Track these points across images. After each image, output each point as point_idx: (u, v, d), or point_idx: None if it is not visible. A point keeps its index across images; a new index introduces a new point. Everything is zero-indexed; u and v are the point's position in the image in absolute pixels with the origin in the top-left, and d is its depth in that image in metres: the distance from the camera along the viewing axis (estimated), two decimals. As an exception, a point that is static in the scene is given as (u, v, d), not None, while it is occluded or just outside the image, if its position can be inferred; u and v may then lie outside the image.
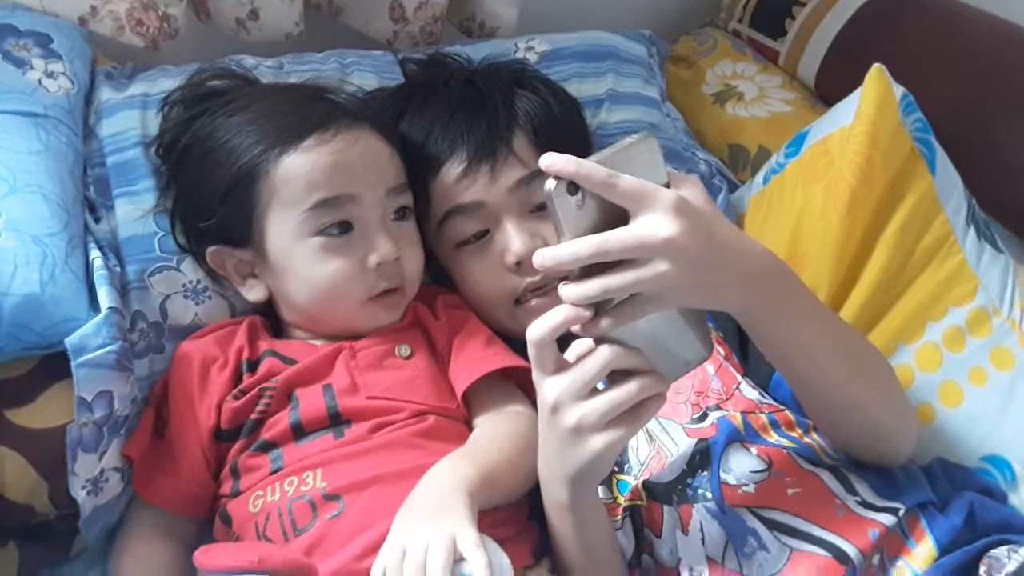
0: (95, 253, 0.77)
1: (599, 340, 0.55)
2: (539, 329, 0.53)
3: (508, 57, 1.04)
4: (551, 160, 0.51)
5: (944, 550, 0.66)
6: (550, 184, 0.51)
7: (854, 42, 1.15)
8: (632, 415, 0.55)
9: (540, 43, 1.06)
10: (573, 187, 0.51)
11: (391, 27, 1.08)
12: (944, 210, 0.87)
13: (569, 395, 0.54)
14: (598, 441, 0.54)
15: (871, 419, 0.68)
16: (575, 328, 0.53)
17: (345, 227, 0.74)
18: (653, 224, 0.51)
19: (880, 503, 0.68)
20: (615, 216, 0.52)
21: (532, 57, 1.05)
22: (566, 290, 0.52)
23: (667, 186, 0.54)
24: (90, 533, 0.72)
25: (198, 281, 0.82)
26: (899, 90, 0.87)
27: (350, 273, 0.74)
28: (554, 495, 0.62)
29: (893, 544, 0.66)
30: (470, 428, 0.75)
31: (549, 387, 0.55)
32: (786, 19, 1.22)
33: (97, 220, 0.82)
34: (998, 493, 0.80)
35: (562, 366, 0.55)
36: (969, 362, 0.85)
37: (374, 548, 0.60)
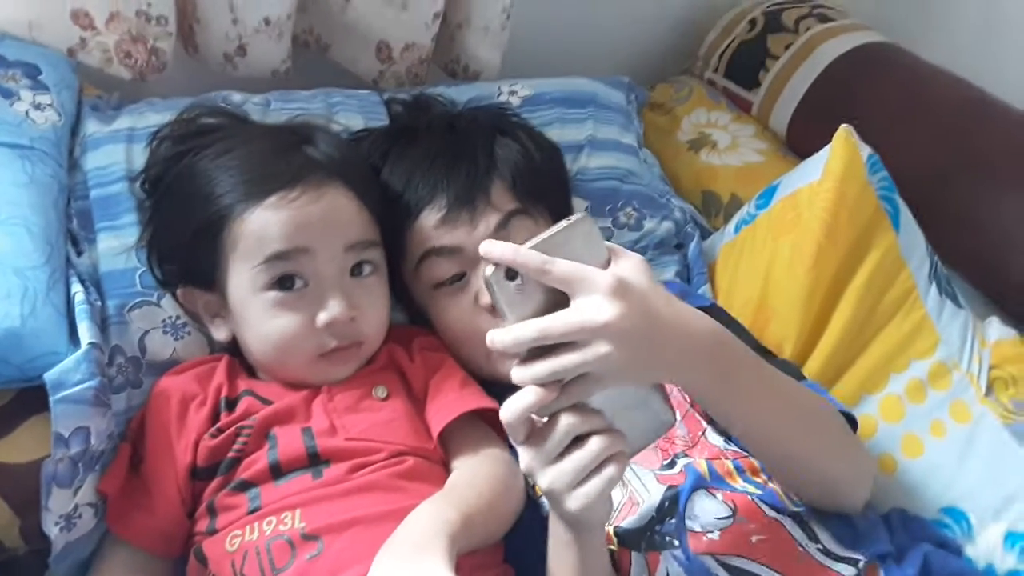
0: (77, 287, 0.77)
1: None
2: (510, 412, 0.54)
3: (491, 100, 1.06)
4: (488, 248, 0.53)
5: None
6: (488, 270, 0.53)
7: (824, 96, 1.19)
8: (599, 471, 0.56)
9: (523, 87, 1.09)
10: (512, 272, 0.53)
11: (377, 67, 1.10)
12: (908, 266, 0.90)
13: (538, 463, 0.56)
14: (574, 501, 0.56)
15: (823, 471, 0.71)
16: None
17: (293, 282, 0.74)
18: (591, 308, 0.52)
19: (841, 552, 0.70)
20: (559, 296, 0.54)
21: (515, 101, 1.07)
22: (517, 373, 0.54)
23: (607, 263, 0.55)
24: (59, 569, 0.72)
25: (177, 317, 0.83)
26: (865, 150, 0.91)
27: (299, 330, 0.75)
28: (559, 533, 0.63)
29: None
30: (448, 470, 0.76)
31: (522, 456, 0.57)
32: (760, 71, 1.26)
33: (79, 253, 0.82)
34: (953, 545, 0.83)
35: (533, 434, 0.56)
36: (930, 415, 0.88)
37: None
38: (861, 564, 0.69)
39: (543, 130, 1.00)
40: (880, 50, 1.20)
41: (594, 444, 0.55)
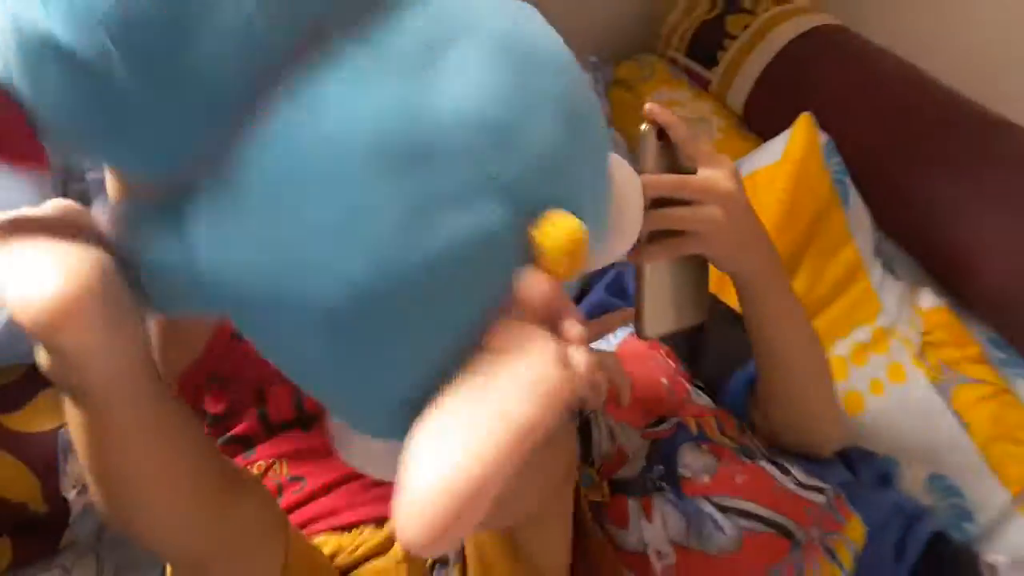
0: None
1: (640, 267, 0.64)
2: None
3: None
4: (652, 107, 0.63)
5: (872, 526, 0.77)
6: (645, 127, 0.62)
7: (778, 76, 1.26)
8: None
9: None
10: (661, 134, 0.62)
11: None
12: (855, 243, 0.99)
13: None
14: None
15: (816, 397, 0.79)
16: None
17: None
18: (719, 178, 0.63)
19: (809, 482, 0.80)
20: (685, 170, 0.64)
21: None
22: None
23: None
24: (82, 531, 0.77)
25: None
26: (823, 136, 0.98)
27: None
28: None
29: (827, 520, 0.76)
30: None
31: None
32: (718, 51, 1.32)
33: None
34: (890, 480, 0.93)
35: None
36: (871, 374, 0.98)
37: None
38: (828, 491, 0.77)
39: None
40: (831, 32, 1.28)
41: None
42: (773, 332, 0.74)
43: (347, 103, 0.35)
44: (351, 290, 0.35)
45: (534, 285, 0.39)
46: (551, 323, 0.40)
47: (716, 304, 0.81)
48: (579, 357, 0.39)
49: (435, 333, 0.37)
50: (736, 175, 0.65)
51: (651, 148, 0.63)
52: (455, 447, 0.35)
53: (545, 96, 0.39)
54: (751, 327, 0.75)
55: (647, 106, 0.63)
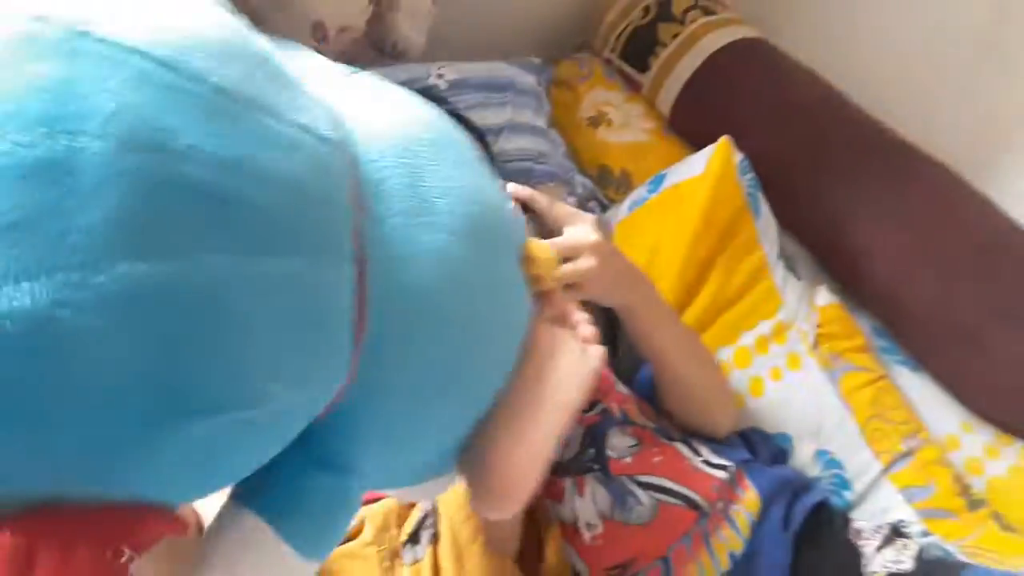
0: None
1: None
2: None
3: (423, 83, 1.19)
4: (513, 188, 0.73)
5: (766, 497, 0.91)
6: (511, 205, 0.72)
7: (703, 85, 1.38)
8: None
9: (449, 71, 1.22)
10: (526, 208, 0.72)
11: (313, 45, 1.19)
12: (762, 248, 1.13)
13: None
14: None
15: (704, 392, 0.94)
16: None
17: None
18: (584, 233, 0.74)
19: (716, 460, 0.94)
20: (548, 234, 0.74)
21: (443, 84, 1.21)
22: None
23: None
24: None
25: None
26: (739, 155, 1.11)
27: None
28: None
29: (729, 494, 0.90)
30: None
31: None
32: (650, 56, 1.43)
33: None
34: (783, 456, 1.09)
35: None
36: (771, 363, 1.13)
37: None
38: (731, 468, 0.92)
39: (467, 114, 1.14)
40: (752, 45, 1.40)
41: None
42: (658, 346, 0.88)
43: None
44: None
45: (555, 297, 0.55)
46: (568, 324, 0.60)
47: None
48: (595, 351, 0.59)
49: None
50: (596, 225, 0.75)
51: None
52: (535, 435, 0.53)
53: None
54: (639, 343, 0.89)
55: (509, 188, 0.72)
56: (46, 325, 0.32)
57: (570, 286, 0.73)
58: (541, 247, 0.59)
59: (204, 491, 0.42)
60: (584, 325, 0.62)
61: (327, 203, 0.42)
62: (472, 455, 0.55)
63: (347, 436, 0.46)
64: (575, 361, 0.58)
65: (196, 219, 0.35)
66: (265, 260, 0.38)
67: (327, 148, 0.44)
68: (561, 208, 0.75)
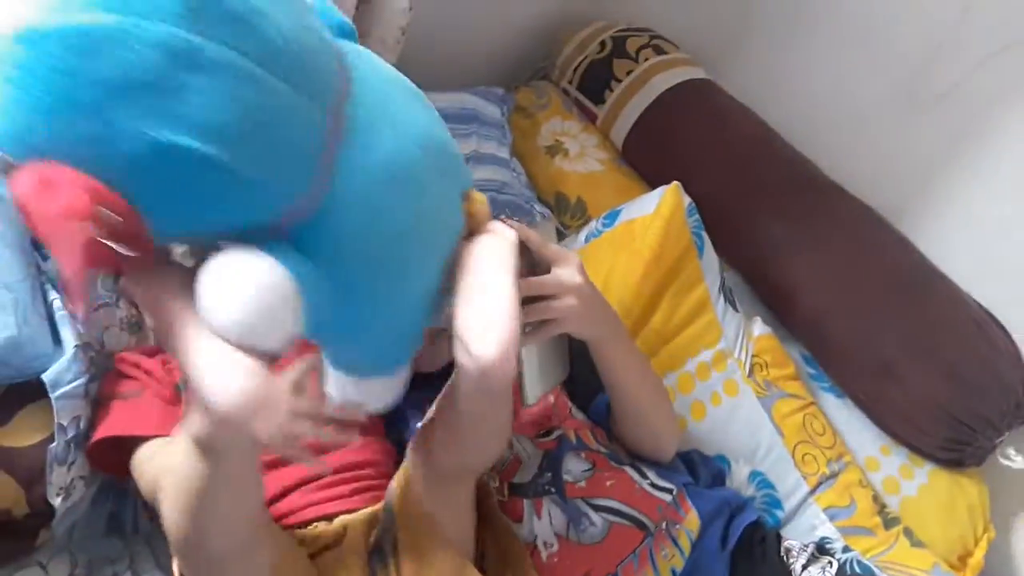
0: (53, 294, 0.90)
1: None
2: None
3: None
4: (510, 224, 0.77)
5: (705, 517, 0.99)
6: None
7: (653, 121, 1.47)
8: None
9: (417, 103, 1.27)
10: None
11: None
12: (705, 282, 1.22)
13: None
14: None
15: (656, 422, 1.02)
16: None
17: None
18: (570, 274, 0.81)
19: (661, 483, 1.02)
20: (537, 271, 0.80)
21: (410, 115, 1.26)
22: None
23: None
24: (59, 529, 0.88)
25: (132, 315, 0.97)
26: (687, 199, 1.20)
27: None
28: None
29: (672, 514, 0.98)
30: None
31: None
32: (605, 90, 1.51)
33: (45, 257, 0.93)
34: (721, 477, 1.19)
35: None
36: (711, 388, 1.22)
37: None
38: (674, 491, 1.00)
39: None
40: (699, 87, 1.49)
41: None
42: (620, 376, 0.96)
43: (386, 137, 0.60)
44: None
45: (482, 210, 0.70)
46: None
47: (582, 344, 1.01)
48: (506, 231, 0.69)
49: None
50: (582, 268, 0.83)
51: None
52: (500, 293, 0.64)
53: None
54: (603, 373, 0.97)
55: (506, 223, 0.77)
56: None
57: (551, 320, 0.81)
58: (480, 195, 0.70)
59: (175, 228, 0.54)
60: (494, 223, 0.71)
61: (322, 56, 0.56)
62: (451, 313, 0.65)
63: (310, 251, 0.57)
64: (499, 242, 0.68)
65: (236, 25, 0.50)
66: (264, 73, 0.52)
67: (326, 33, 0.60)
68: (551, 248, 0.81)
